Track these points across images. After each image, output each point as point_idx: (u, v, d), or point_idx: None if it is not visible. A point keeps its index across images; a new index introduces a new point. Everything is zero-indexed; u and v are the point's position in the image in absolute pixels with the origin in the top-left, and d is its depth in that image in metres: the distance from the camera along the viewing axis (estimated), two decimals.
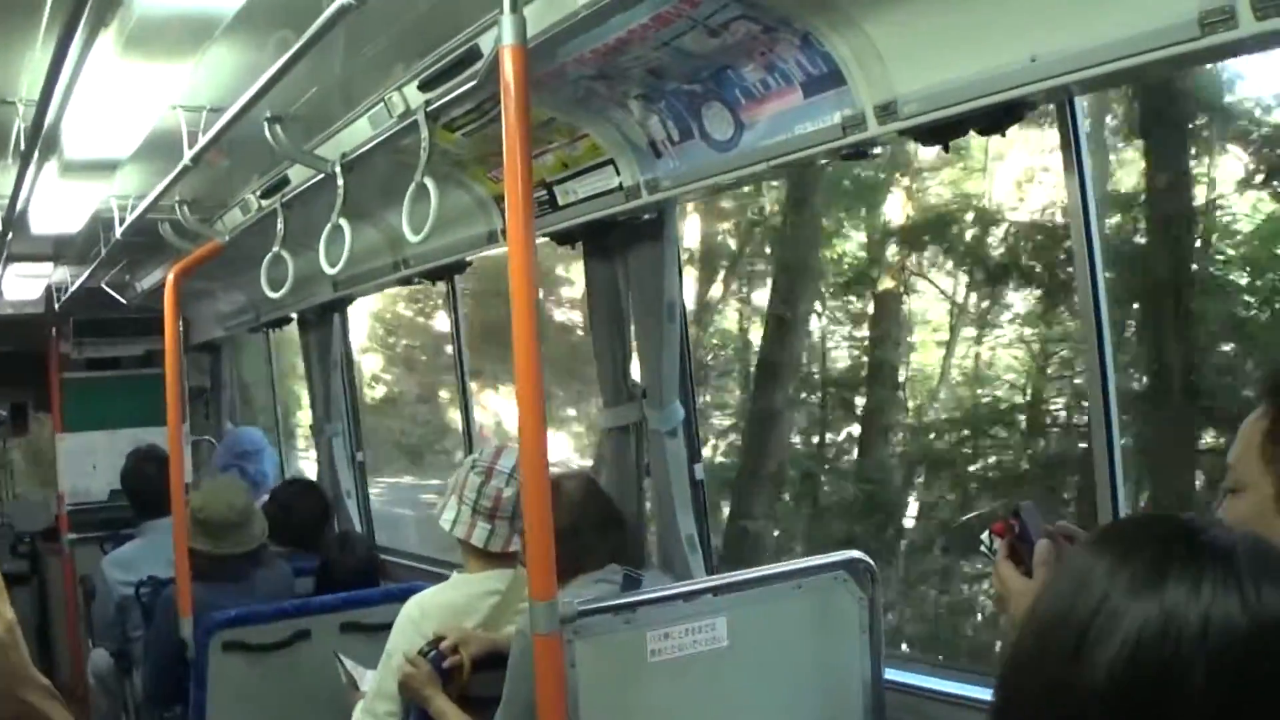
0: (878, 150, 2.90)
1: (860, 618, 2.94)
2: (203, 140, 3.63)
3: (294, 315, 6.84)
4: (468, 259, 4.77)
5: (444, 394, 16.34)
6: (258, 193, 4.70)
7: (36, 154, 3.75)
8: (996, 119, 2.47)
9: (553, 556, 2.35)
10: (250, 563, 4.83)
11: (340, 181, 3.68)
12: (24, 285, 7.39)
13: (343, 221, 3.63)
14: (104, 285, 7.36)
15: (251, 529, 4.82)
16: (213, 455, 7.97)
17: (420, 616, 3.57)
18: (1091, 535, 1.36)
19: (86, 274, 6.86)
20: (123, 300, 7.95)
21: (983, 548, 2.05)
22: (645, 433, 3.90)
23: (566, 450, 13.75)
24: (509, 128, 2.35)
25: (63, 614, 8.15)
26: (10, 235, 5.20)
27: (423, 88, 3.26)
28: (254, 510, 4.95)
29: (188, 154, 3.74)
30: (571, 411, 14.09)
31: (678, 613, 2.74)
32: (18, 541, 9.50)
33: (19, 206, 4.59)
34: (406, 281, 5.38)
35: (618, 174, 3.50)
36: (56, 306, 8.03)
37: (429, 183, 3.11)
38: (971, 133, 2.57)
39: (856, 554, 2.98)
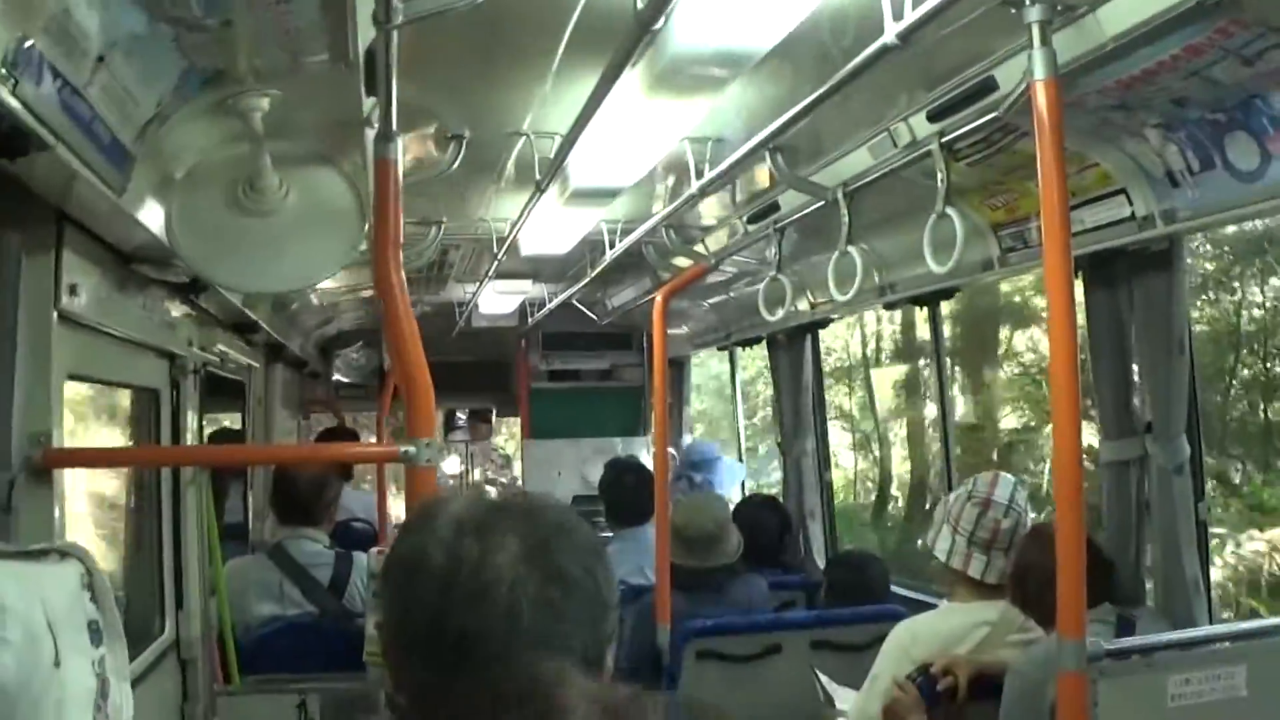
0: None
1: None
2: (710, 172, 3.95)
3: (764, 335, 7.19)
4: (957, 285, 4.90)
5: None
6: (744, 217, 5.01)
7: (540, 183, 4.13)
8: None
9: (1084, 593, 2.44)
10: (726, 576, 5.10)
11: (844, 209, 3.93)
12: (502, 300, 8.10)
13: (851, 249, 3.87)
14: (575, 302, 7.95)
15: (729, 543, 5.08)
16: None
17: (911, 642, 3.76)
18: None
19: (564, 291, 7.46)
20: (593, 316, 8.60)
21: None
22: (1148, 469, 3.93)
23: None
24: (1044, 163, 2.46)
25: None
26: (502, 256, 5.72)
27: (931, 118, 3.46)
28: (731, 524, 5.20)
29: (695, 184, 4.07)
30: None
31: (1197, 658, 2.79)
32: None
33: (516, 231, 5.08)
34: (891, 306, 5.55)
35: (1129, 203, 3.55)
36: (529, 320, 8.76)
37: (952, 213, 3.30)
38: None
39: None
